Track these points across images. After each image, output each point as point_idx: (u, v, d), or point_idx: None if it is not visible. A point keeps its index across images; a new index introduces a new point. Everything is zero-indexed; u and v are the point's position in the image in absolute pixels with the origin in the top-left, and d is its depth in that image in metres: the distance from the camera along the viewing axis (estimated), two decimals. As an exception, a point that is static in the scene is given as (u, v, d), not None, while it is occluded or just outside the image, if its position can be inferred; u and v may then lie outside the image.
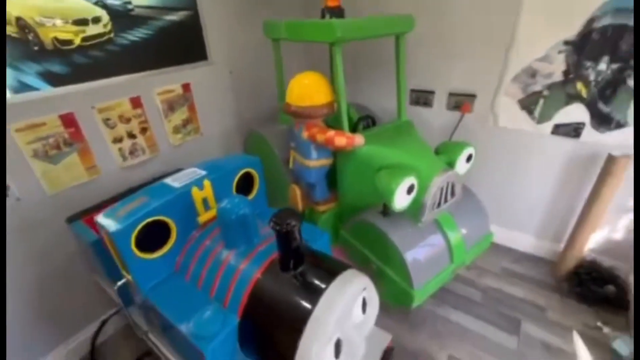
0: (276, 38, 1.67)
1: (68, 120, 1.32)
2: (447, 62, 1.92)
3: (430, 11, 1.83)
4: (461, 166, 1.49)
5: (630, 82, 1.48)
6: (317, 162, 1.58)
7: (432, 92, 2.04)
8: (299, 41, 1.54)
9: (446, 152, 1.50)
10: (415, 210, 1.36)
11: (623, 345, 1.48)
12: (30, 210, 1.30)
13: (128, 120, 1.51)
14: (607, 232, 1.80)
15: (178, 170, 1.23)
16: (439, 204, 1.38)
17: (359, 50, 2.16)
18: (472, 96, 1.91)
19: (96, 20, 1.32)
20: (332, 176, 1.69)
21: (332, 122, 1.58)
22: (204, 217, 1.12)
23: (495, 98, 1.84)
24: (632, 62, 1.45)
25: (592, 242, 1.84)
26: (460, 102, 1.95)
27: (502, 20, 1.66)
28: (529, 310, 1.73)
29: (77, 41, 1.29)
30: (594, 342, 1.55)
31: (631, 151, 1.55)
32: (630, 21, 1.40)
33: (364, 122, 1.79)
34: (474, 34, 1.77)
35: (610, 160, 1.57)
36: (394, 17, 1.51)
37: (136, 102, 1.52)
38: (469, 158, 1.51)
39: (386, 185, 1.29)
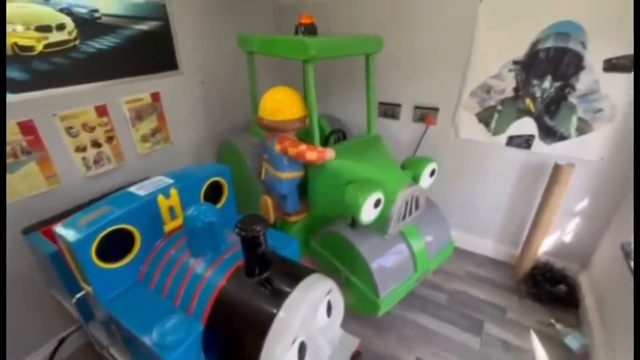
0: (250, 52, 1.70)
1: (27, 128, 1.27)
2: (412, 78, 2.03)
3: (397, 31, 1.94)
4: (425, 180, 1.56)
5: (571, 99, 1.64)
6: (288, 174, 1.61)
7: (398, 105, 2.15)
8: (272, 56, 1.58)
9: (411, 167, 1.57)
10: (382, 223, 1.40)
11: (573, 340, 1.60)
12: (-19, 221, 1.23)
13: (92, 129, 1.47)
14: (557, 235, 1.95)
15: (145, 179, 1.22)
16: (404, 217, 1.43)
17: (330, 64, 2.23)
18: (436, 109, 2.03)
19: (60, 27, 1.30)
20: (303, 188, 1.71)
21: (304, 134, 1.61)
22: (170, 225, 1.11)
23: (455, 112, 1.97)
24: (571, 81, 1.61)
25: (545, 245, 1.98)
26: (425, 115, 2.07)
27: (461, 41, 1.80)
28: (491, 311, 1.83)
29: (39, 48, 1.26)
30: (548, 339, 1.66)
31: (574, 161, 1.71)
32: (568, 44, 1.56)
33: (335, 135, 1.84)
34: (436, 52, 1.90)
35: (557, 169, 1.72)
36: (365, 38, 1.56)
37: (102, 111, 1.49)
38: (432, 173, 1.58)
39: (354, 200, 1.32)
